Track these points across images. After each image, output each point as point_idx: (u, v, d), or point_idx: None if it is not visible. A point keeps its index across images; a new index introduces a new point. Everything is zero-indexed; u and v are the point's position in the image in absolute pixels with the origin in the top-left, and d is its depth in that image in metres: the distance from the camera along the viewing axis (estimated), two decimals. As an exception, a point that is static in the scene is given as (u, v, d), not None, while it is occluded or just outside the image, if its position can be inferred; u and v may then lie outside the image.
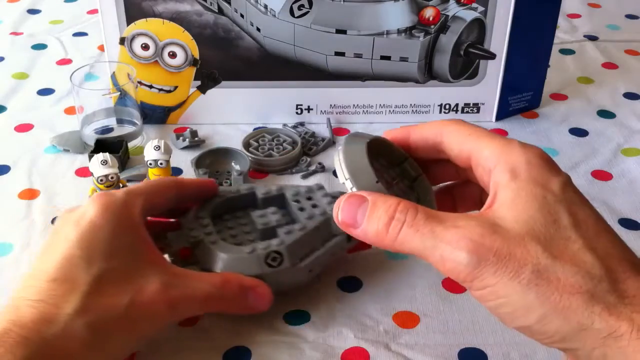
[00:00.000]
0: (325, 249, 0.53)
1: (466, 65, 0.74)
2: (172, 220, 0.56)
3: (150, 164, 0.65)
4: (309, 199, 0.55)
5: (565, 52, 0.93)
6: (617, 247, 0.36)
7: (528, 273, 0.35)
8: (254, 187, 0.57)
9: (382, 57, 0.72)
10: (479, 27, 0.72)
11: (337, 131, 0.76)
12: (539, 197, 0.37)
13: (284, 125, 0.76)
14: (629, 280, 0.35)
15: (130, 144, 0.72)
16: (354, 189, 0.41)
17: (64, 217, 0.49)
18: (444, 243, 0.37)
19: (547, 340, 0.36)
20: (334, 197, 0.55)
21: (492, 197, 0.39)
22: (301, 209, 0.54)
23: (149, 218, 0.53)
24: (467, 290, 0.55)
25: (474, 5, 0.70)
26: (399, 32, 0.71)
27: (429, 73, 0.74)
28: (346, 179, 0.41)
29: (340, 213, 0.40)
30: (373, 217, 0.39)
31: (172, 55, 0.73)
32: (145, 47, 0.72)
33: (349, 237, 0.54)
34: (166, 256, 0.52)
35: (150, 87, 0.75)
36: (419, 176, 0.47)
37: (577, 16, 1.03)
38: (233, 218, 0.56)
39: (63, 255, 0.46)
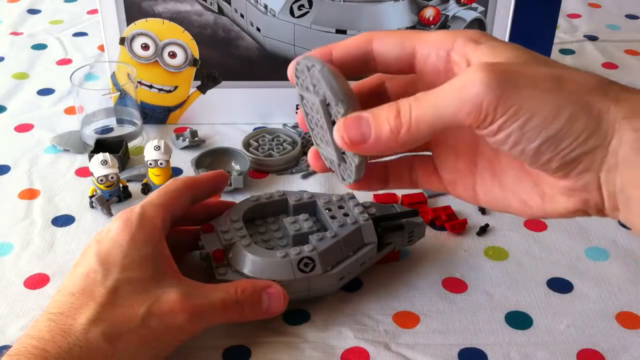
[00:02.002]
0: (356, 258, 0.53)
1: (466, 65, 0.74)
2: (197, 227, 0.56)
3: (150, 164, 0.65)
4: (341, 207, 0.56)
5: (565, 52, 0.93)
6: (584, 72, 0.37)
7: (549, 81, 0.34)
8: (286, 193, 0.57)
9: (382, 57, 0.72)
10: (479, 27, 0.72)
11: (337, 131, 0.75)
12: (511, 47, 0.37)
13: (284, 125, 0.76)
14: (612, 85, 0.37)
15: (130, 144, 0.72)
16: (348, 110, 0.38)
17: (92, 238, 0.50)
18: (456, 91, 0.35)
19: (573, 145, 0.35)
20: (366, 206, 0.56)
21: (467, 65, 0.37)
22: (333, 217, 0.55)
23: (180, 227, 0.55)
24: (465, 292, 0.55)
25: (474, 5, 0.70)
26: (399, 32, 0.71)
27: (429, 73, 0.74)
28: (341, 101, 0.38)
29: (345, 134, 0.37)
30: (380, 120, 0.36)
31: (172, 55, 0.73)
32: (145, 47, 0.72)
33: (379, 247, 0.55)
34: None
35: (150, 87, 0.75)
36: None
37: (577, 16, 1.03)
38: (264, 223, 0.57)
39: (83, 271, 0.47)
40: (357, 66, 0.41)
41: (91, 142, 0.70)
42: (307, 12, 0.70)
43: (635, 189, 0.35)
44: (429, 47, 0.39)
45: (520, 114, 0.34)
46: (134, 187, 0.67)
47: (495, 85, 0.34)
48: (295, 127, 0.75)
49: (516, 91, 0.34)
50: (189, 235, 0.56)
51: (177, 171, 0.70)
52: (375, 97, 0.43)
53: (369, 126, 0.36)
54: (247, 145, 0.72)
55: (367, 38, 0.41)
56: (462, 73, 0.35)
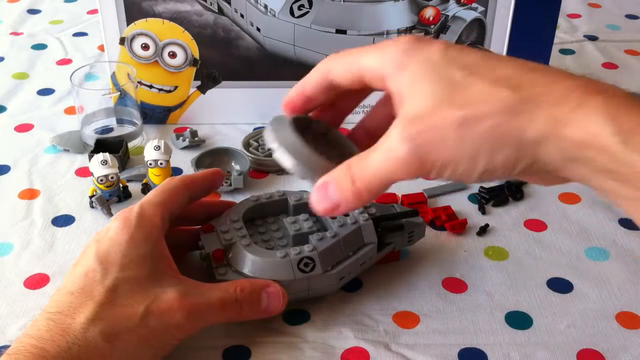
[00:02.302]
0: (356, 258, 0.53)
1: (466, 65, 0.74)
2: (197, 227, 0.56)
3: (150, 164, 0.65)
4: None
5: (565, 52, 0.93)
6: (515, 67, 0.38)
7: (458, 129, 0.37)
8: (286, 193, 0.57)
9: (382, 57, 0.72)
10: (479, 27, 0.72)
11: (337, 131, 0.76)
12: (424, 75, 0.39)
13: (284, 125, 0.76)
14: (534, 82, 0.37)
15: (130, 144, 0.72)
16: (285, 155, 0.43)
17: (92, 238, 0.50)
18: (386, 156, 0.39)
19: (507, 172, 0.38)
20: (366, 206, 0.56)
21: (399, 96, 0.40)
22: (332, 217, 0.54)
23: (180, 227, 0.55)
24: (465, 292, 0.55)
25: (474, 5, 0.70)
26: (399, 32, 0.71)
27: (429, 73, 0.74)
28: (277, 148, 0.44)
29: (319, 205, 0.42)
30: (343, 188, 0.41)
31: (172, 55, 0.73)
32: (145, 47, 0.72)
33: (379, 247, 0.55)
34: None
35: (150, 87, 0.75)
36: (328, 132, 0.48)
37: (577, 16, 1.03)
38: (265, 223, 0.57)
39: (82, 270, 0.47)
40: (329, 94, 0.45)
41: (91, 142, 0.70)
42: (307, 12, 0.70)
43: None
44: (369, 74, 0.42)
45: (445, 166, 0.38)
46: (134, 187, 0.67)
47: (416, 149, 0.38)
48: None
49: (435, 149, 0.37)
50: (188, 235, 0.56)
51: (177, 171, 0.70)
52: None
53: (335, 196, 0.41)
54: (247, 145, 0.72)
55: (324, 72, 0.45)
56: (387, 136, 0.39)
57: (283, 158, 0.43)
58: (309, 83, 0.45)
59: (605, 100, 0.35)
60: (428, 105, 0.38)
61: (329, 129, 0.48)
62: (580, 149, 0.35)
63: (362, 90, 0.45)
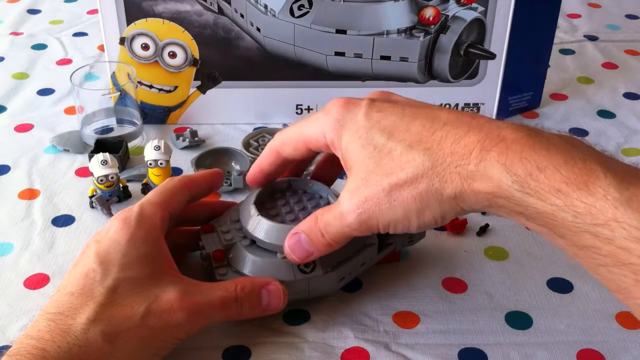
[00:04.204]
0: (357, 258, 0.53)
1: (466, 65, 0.74)
2: (196, 228, 0.56)
3: (150, 164, 0.65)
4: None
5: (565, 52, 0.93)
6: (425, 125, 0.44)
7: (388, 198, 0.44)
8: (290, 181, 0.57)
9: (382, 57, 0.72)
10: (479, 27, 0.72)
11: (337, 131, 0.76)
12: (355, 140, 0.45)
13: (284, 125, 0.76)
14: (442, 143, 0.42)
15: (130, 144, 0.72)
16: (246, 226, 0.52)
17: (91, 238, 0.50)
18: (339, 221, 0.46)
19: (439, 223, 0.45)
20: None
21: (343, 162, 0.47)
22: None
23: (180, 228, 0.55)
24: (465, 292, 0.55)
25: (474, 5, 0.70)
26: (399, 32, 0.71)
27: (429, 73, 0.74)
28: (242, 222, 0.52)
29: (295, 254, 0.49)
30: (315, 241, 0.48)
31: (172, 55, 0.73)
32: (145, 47, 0.72)
33: (380, 248, 0.55)
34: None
35: (150, 87, 0.75)
36: (291, 183, 0.56)
37: (577, 16, 1.03)
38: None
39: (82, 270, 0.47)
40: (284, 166, 0.54)
41: (91, 142, 0.70)
42: (307, 12, 0.70)
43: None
44: (314, 146, 0.49)
45: (386, 227, 0.45)
46: (134, 187, 0.67)
47: (359, 216, 0.45)
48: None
49: (374, 215, 0.44)
50: (189, 236, 0.56)
51: (177, 171, 0.70)
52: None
53: (309, 247, 0.48)
54: (247, 145, 0.72)
55: (276, 152, 0.52)
56: (339, 202, 0.46)
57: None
58: (265, 163, 0.53)
59: (500, 153, 0.40)
60: (362, 176, 0.45)
61: (291, 181, 0.56)
62: (491, 198, 0.40)
63: (314, 153, 0.52)
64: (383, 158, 0.44)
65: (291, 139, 0.51)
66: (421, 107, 0.46)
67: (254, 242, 0.52)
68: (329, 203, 0.54)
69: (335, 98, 0.48)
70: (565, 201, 0.37)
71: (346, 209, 0.46)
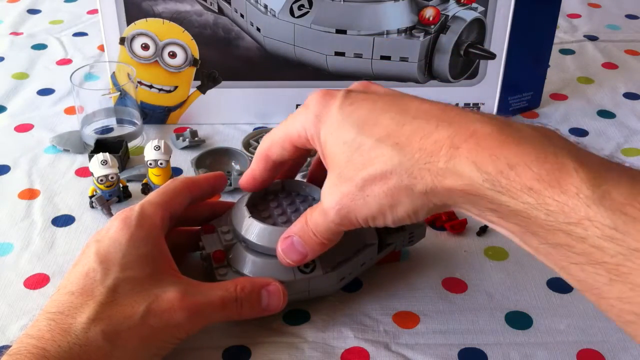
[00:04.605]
0: (357, 258, 0.53)
1: (466, 65, 0.74)
2: (196, 228, 0.56)
3: (150, 164, 0.65)
4: None
5: (565, 52, 0.93)
6: (394, 118, 0.43)
7: (361, 192, 0.43)
8: (284, 182, 0.57)
9: (382, 57, 0.72)
10: (479, 27, 0.72)
11: (337, 131, 0.76)
12: (330, 135, 0.45)
13: (284, 125, 0.76)
14: (411, 138, 0.41)
15: (130, 144, 0.72)
16: (238, 228, 0.52)
17: (91, 237, 0.50)
18: (323, 217, 0.47)
19: (412, 220, 0.44)
20: None
21: (323, 158, 0.47)
22: None
23: (180, 228, 0.55)
24: (465, 292, 0.55)
25: (474, 5, 0.70)
26: (399, 32, 0.71)
27: (429, 73, 0.74)
28: (235, 226, 0.52)
29: (289, 257, 0.49)
30: (308, 242, 0.48)
31: (172, 55, 0.73)
32: (145, 47, 0.72)
33: (380, 248, 0.55)
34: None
35: (150, 87, 0.75)
36: (284, 184, 0.56)
37: (577, 16, 1.03)
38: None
39: (82, 270, 0.47)
40: (277, 168, 0.53)
41: (91, 142, 0.70)
42: (307, 12, 0.70)
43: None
44: (299, 143, 0.48)
45: (365, 221, 0.45)
46: (134, 187, 0.67)
47: (339, 212, 0.45)
48: (295, 127, 0.75)
49: (352, 211, 0.44)
50: (189, 236, 0.56)
51: (177, 171, 0.70)
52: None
53: (303, 248, 0.48)
54: (247, 145, 0.72)
55: (265, 157, 0.51)
56: (322, 200, 0.46)
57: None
58: (257, 170, 0.53)
59: (470, 150, 0.39)
60: (337, 171, 0.45)
61: (284, 183, 0.56)
62: (464, 195, 0.40)
63: (305, 151, 0.51)
64: (353, 153, 0.43)
65: (277, 140, 0.50)
66: (396, 98, 0.45)
67: (255, 219, 0.52)
68: None
69: (315, 91, 0.47)
70: (538, 199, 0.36)
71: (326, 205, 0.45)
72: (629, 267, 0.34)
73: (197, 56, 0.73)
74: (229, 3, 0.70)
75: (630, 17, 1.04)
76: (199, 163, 0.69)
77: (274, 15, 0.70)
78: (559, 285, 0.57)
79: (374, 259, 0.55)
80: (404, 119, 0.42)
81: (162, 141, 0.65)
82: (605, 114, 0.80)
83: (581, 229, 0.35)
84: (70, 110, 0.80)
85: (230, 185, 0.66)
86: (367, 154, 0.43)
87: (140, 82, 0.74)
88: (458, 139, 0.40)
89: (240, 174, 0.66)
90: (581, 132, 0.77)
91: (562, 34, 0.97)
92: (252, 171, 0.53)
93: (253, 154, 0.70)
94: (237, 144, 0.72)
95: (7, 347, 0.44)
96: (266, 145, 0.51)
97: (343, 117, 0.44)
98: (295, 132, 0.48)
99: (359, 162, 0.43)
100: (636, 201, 0.34)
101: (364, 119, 0.44)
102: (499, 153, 0.38)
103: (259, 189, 0.54)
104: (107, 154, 0.64)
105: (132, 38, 0.72)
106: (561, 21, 0.99)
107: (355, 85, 0.49)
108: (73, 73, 0.72)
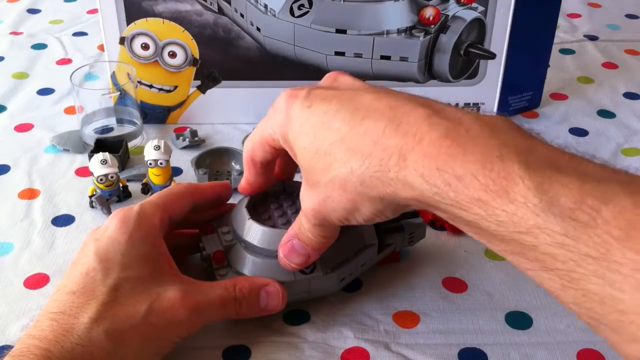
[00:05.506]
0: (357, 259, 0.53)
1: (466, 65, 0.74)
2: (196, 230, 0.56)
3: (150, 163, 0.65)
4: None
5: (565, 52, 0.93)
6: (345, 119, 0.42)
7: (331, 186, 0.43)
8: (284, 184, 0.57)
9: (382, 57, 0.72)
10: (479, 27, 0.72)
11: (337, 131, 0.75)
12: (294, 139, 0.45)
13: (284, 125, 0.76)
14: (364, 139, 0.41)
15: (130, 144, 0.72)
16: (238, 230, 0.52)
17: (88, 235, 0.50)
18: (304, 216, 0.47)
19: (382, 219, 0.44)
20: None
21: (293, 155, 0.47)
22: None
23: (180, 230, 0.55)
24: (465, 292, 0.55)
25: (474, 5, 0.70)
26: (399, 32, 0.71)
27: (429, 73, 0.74)
28: (235, 228, 0.53)
29: (293, 261, 0.49)
30: (306, 240, 0.48)
31: (172, 55, 0.73)
32: (145, 46, 0.72)
33: (380, 249, 0.55)
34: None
35: (150, 86, 0.75)
36: (285, 186, 0.56)
37: (577, 16, 1.03)
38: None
39: (82, 269, 0.47)
40: (267, 169, 0.52)
41: (91, 142, 0.70)
42: (307, 12, 0.70)
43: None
44: (276, 144, 0.48)
45: (341, 220, 0.45)
46: (134, 187, 0.67)
47: (319, 216, 0.45)
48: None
49: (327, 214, 0.45)
50: (189, 238, 0.56)
51: (177, 171, 0.70)
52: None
53: (303, 248, 0.48)
54: (247, 145, 0.72)
55: (251, 160, 0.51)
56: (301, 199, 0.47)
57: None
58: (248, 175, 0.53)
59: (417, 161, 0.39)
60: (305, 175, 0.45)
61: (285, 184, 0.56)
62: (419, 203, 0.40)
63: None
64: (312, 158, 0.43)
65: (256, 142, 0.50)
66: (351, 95, 0.44)
67: (255, 222, 0.52)
68: None
69: (284, 90, 0.47)
70: (487, 210, 0.36)
71: (304, 209, 0.46)
72: (580, 272, 0.33)
73: (197, 56, 0.73)
74: (229, 3, 0.70)
75: (630, 17, 1.04)
76: (199, 163, 0.69)
77: (274, 15, 0.70)
78: (559, 285, 0.57)
79: (374, 259, 0.55)
80: (353, 120, 0.42)
81: (162, 141, 0.65)
82: (605, 113, 0.80)
83: (532, 237, 0.35)
84: (70, 110, 0.80)
85: (230, 185, 0.66)
86: (324, 159, 0.43)
87: (140, 82, 0.74)
88: (405, 148, 0.39)
89: (240, 174, 0.66)
90: (581, 132, 0.77)
91: (562, 34, 0.97)
92: (245, 177, 0.53)
93: (253, 153, 0.70)
94: (237, 144, 0.72)
95: (7, 347, 0.44)
96: (249, 149, 0.51)
97: (302, 122, 0.44)
98: (268, 135, 0.48)
99: (319, 167, 0.43)
100: (585, 204, 0.33)
101: (319, 122, 0.43)
102: (444, 165, 0.38)
103: (258, 192, 0.54)
104: (107, 153, 0.64)
105: (132, 38, 0.72)
106: (561, 21, 0.99)
107: (324, 79, 0.49)
108: (73, 73, 0.72)
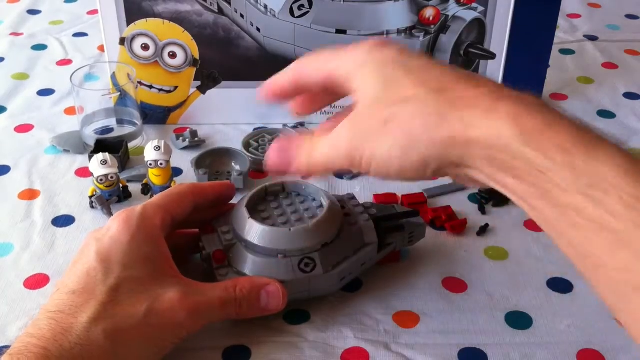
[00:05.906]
0: (357, 258, 0.53)
1: (466, 65, 0.74)
2: (197, 230, 0.56)
3: (150, 164, 0.65)
4: (342, 207, 0.55)
5: (565, 52, 0.93)
6: (445, 72, 0.42)
7: (381, 125, 0.42)
8: (285, 184, 0.57)
9: (382, 57, 0.72)
10: (479, 27, 0.72)
11: (337, 131, 0.75)
12: (378, 71, 0.43)
13: (284, 125, 0.76)
14: (455, 87, 0.41)
15: (131, 144, 0.72)
16: (238, 229, 0.52)
17: (89, 236, 0.50)
18: (334, 144, 0.44)
19: (420, 175, 0.42)
20: (366, 207, 0.56)
21: (355, 92, 0.44)
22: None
23: (181, 230, 0.55)
24: (465, 292, 0.55)
25: (474, 5, 0.70)
26: (399, 32, 0.71)
27: (429, 73, 0.74)
28: (235, 227, 0.53)
29: (272, 158, 0.47)
30: (302, 158, 0.46)
31: (172, 55, 0.73)
32: (145, 47, 0.72)
33: (380, 248, 0.55)
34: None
35: (150, 87, 0.75)
36: (284, 187, 0.56)
37: (577, 16, 1.03)
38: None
39: (83, 269, 0.47)
40: (301, 92, 0.50)
41: (91, 143, 0.70)
42: (307, 12, 0.70)
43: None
44: (336, 73, 0.46)
45: (368, 160, 0.42)
46: (134, 187, 0.67)
47: (353, 141, 0.43)
48: (295, 127, 0.75)
49: (365, 142, 0.42)
50: (190, 238, 0.56)
51: (177, 171, 0.70)
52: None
53: (293, 157, 0.46)
54: (247, 145, 0.72)
55: (297, 70, 0.49)
56: (338, 128, 0.44)
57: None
58: (283, 78, 0.49)
59: (511, 105, 0.38)
60: (367, 103, 0.43)
61: (284, 184, 0.56)
62: (486, 149, 0.39)
63: (330, 94, 0.49)
64: (393, 90, 0.42)
65: (317, 61, 0.48)
66: (444, 65, 0.45)
67: (254, 220, 0.52)
68: (321, 206, 0.54)
69: (364, 40, 0.46)
70: (566, 158, 0.36)
71: (340, 134, 0.44)
72: (638, 236, 0.34)
73: (197, 56, 0.73)
74: (229, 3, 0.70)
75: (630, 17, 1.04)
76: (199, 163, 0.69)
77: (274, 15, 0.70)
78: (559, 285, 0.57)
79: (374, 258, 0.55)
80: (454, 75, 0.42)
81: (162, 141, 0.65)
82: (605, 114, 0.80)
83: (602, 193, 0.35)
84: (70, 111, 0.80)
85: (231, 185, 0.66)
86: (404, 92, 0.42)
87: (140, 83, 0.74)
88: (500, 95, 0.40)
89: (240, 174, 0.66)
90: (581, 132, 0.77)
91: (562, 34, 0.97)
92: (277, 77, 0.50)
93: (253, 154, 0.70)
94: (237, 144, 0.72)
95: (7, 347, 0.44)
96: (302, 63, 0.49)
97: (396, 61, 0.43)
98: (336, 64, 0.46)
99: (393, 98, 0.42)
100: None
101: (415, 66, 0.43)
102: (536, 112, 0.38)
103: (271, 96, 0.51)
104: (107, 153, 0.64)
105: (132, 38, 0.72)
106: (561, 21, 0.99)
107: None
108: (73, 73, 0.72)
